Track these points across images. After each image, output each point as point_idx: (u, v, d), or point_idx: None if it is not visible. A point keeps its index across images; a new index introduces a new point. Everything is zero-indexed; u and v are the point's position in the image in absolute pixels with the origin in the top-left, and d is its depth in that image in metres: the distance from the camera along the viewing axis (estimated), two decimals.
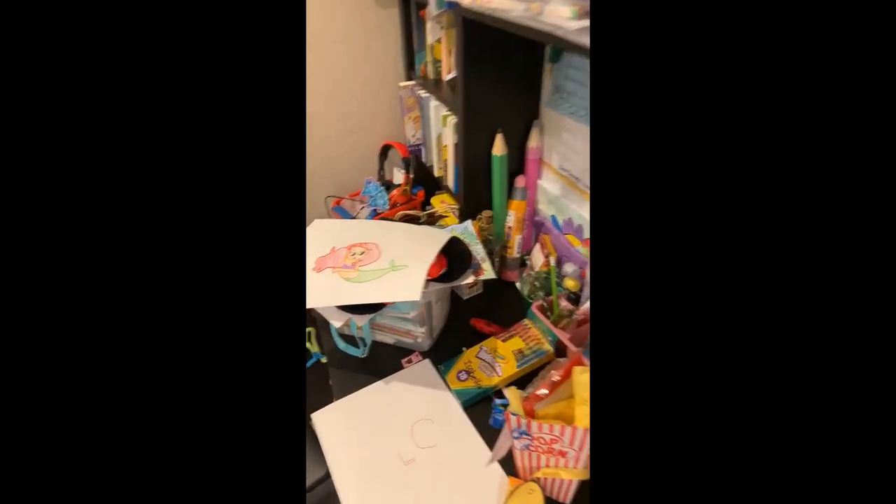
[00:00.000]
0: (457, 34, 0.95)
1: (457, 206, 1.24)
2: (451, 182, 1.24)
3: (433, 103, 1.25)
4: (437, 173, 1.33)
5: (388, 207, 1.35)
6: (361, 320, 0.90)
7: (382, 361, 0.97)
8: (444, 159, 1.23)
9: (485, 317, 1.03)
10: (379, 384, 0.92)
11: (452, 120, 1.13)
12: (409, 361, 0.97)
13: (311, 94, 1.45)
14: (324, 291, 0.84)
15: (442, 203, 1.44)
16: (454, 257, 0.94)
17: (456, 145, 1.13)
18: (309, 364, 0.97)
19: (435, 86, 1.24)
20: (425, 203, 1.44)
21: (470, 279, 0.96)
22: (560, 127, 1.03)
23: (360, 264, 0.88)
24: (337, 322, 0.89)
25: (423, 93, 1.33)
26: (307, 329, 0.93)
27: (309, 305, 0.84)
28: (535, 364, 0.90)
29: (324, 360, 0.97)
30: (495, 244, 1.11)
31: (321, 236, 1.00)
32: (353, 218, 1.36)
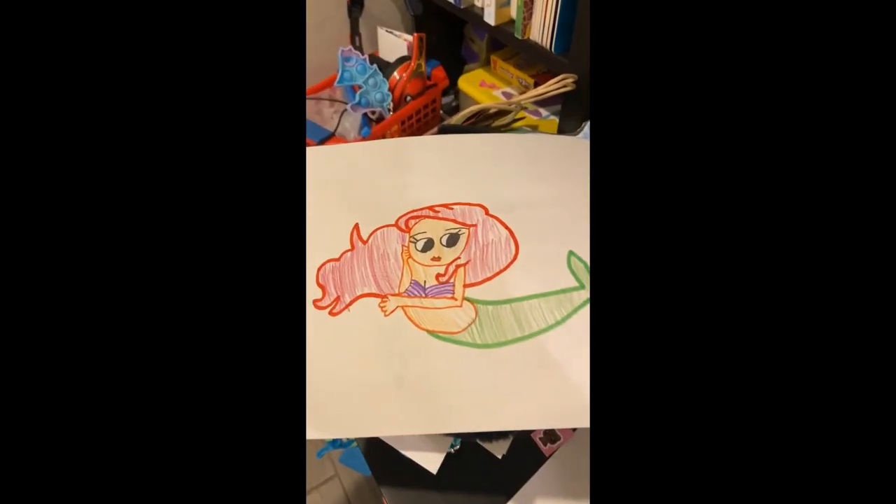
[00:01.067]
0: None
1: (551, 85, 0.63)
2: (542, 31, 0.60)
3: None
4: (493, 20, 0.67)
5: (390, 106, 0.71)
6: (499, 448, 0.34)
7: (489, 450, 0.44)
8: None
9: None
10: None
11: None
12: (554, 439, 0.45)
13: None
14: (388, 405, 0.26)
15: (482, 85, 0.81)
16: None
17: None
18: (320, 454, 0.41)
19: None
20: (448, 90, 0.80)
21: None
22: None
23: (472, 277, 0.30)
24: (431, 462, 0.32)
25: None
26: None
27: (347, 434, 0.27)
28: None
29: (354, 444, 0.41)
30: None
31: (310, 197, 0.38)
32: (333, 135, 0.70)
